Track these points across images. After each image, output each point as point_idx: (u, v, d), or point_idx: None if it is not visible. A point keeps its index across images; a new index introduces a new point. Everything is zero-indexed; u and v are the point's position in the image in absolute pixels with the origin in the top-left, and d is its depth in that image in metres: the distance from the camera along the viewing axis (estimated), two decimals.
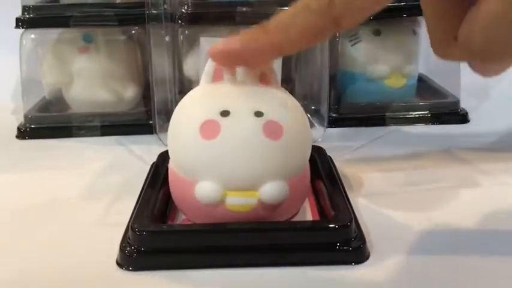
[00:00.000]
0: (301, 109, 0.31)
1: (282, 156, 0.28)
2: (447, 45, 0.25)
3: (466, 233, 0.31)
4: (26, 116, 0.49)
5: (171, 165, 0.31)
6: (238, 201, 0.28)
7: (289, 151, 0.28)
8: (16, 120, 0.51)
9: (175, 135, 0.30)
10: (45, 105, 0.51)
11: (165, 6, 0.44)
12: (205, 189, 0.28)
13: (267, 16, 0.45)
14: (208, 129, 0.28)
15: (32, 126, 0.48)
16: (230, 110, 0.28)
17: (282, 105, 0.29)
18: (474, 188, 0.36)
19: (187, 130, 0.29)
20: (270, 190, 0.28)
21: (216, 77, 0.30)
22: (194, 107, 0.30)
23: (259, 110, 0.28)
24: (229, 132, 0.28)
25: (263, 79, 0.30)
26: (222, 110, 0.28)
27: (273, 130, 0.28)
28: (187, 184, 0.29)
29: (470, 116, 0.50)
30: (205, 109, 0.29)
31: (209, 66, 0.30)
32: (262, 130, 0.28)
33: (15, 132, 0.48)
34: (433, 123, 0.49)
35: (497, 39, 0.23)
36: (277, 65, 0.44)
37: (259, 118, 0.28)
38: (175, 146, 0.30)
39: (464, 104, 0.51)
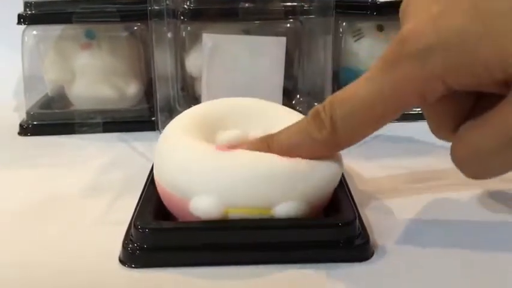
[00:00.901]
0: None
1: (298, 175, 0.27)
2: (448, 138, 0.27)
3: (470, 230, 0.30)
4: (28, 113, 0.49)
5: (160, 183, 0.29)
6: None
7: (305, 172, 0.27)
8: (18, 117, 0.51)
9: (174, 151, 0.29)
10: (48, 102, 0.51)
11: (168, 2, 0.44)
12: (204, 205, 0.27)
13: (269, 12, 0.45)
14: (221, 147, 0.28)
15: (34, 123, 0.48)
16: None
17: None
18: (478, 185, 0.36)
19: (194, 146, 0.28)
20: (284, 210, 0.27)
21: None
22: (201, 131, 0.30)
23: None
24: (242, 153, 0.28)
25: None
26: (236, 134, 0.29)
27: None
28: (180, 200, 0.28)
29: None
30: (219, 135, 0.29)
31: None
32: None
33: (17, 129, 0.48)
34: None
35: (483, 169, 0.25)
36: (280, 59, 0.44)
37: None
38: (174, 159, 0.28)
39: None
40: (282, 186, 0.27)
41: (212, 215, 0.27)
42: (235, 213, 0.27)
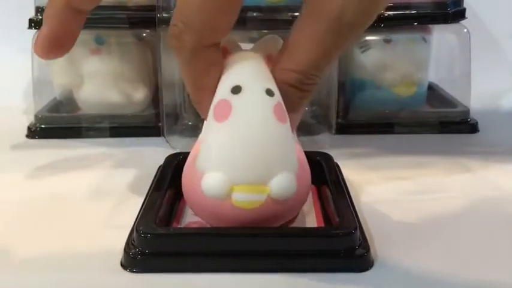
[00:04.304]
0: None
1: (288, 142, 0.28)
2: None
3: (473, 243, 0.30)
4: (36, 116, 0.49)
5: (190, 156, 0.30)
6: (246, 198, 0.27)
7: (291, 139, 0.28)
8: (27, 119, 0.51)
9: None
10: (56, 106, 0.51)
11: None
12: (212, 182, 0.27)
13: (277, 22, 0.45)
14: (220, 110, 0.27)
15: (42, 126, 0.49)
16: (242, 86, 0.27)
17: None
18: (481, 199, 0.36)
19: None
20: (281, 182, 0.27)
21: (223, 55, 0.29)
22: None
23: (270, 88, 0.28)
24: (240, 111, 0.27)
25: (269, 60, 0.29)
26: (233, 85, 0.28)
27: (281, 113, 0.27)
28: (197, 175, 0.28)
29: (480, 126, 0.50)
30: (218, 87, 0.28)
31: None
32: (273, 111, 0.27)
33: (25, 131, 0.49)
34: (442, 133, 0.49)
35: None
36: None
37: (271, 97, 0.27)
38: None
39: (474, 114, 0.50)
40: (278, 152, 0.27)
41: (219, 192, 0.27)
42: (238, 192, 0.27)
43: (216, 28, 0.27)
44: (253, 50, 0.30)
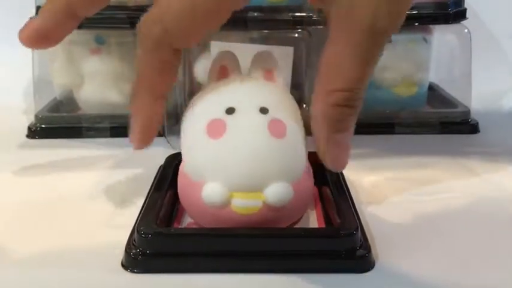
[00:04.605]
0: (298, 108, 0.31)
1: (286, 155, 0.28)
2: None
3: (473, 243, 0.30)
4: (36, 116, 0.49)
5: (181, 167, 0.31)
6: (244, 204, 0.28)
7: (292, 150, 0.28)
8: (27, 119, 0.51)
9: (185, 136, 0.30)
10: (56, 106, 0.51)
11: None
12: (212, 191, 0.28)
13: (278, 22, 0.45)
14: (215, 128, 0.28)
15: (43, 126, 0.49)
16: (235, 107, 0.28)
17: (284, 103, 0.29)
18: (482, 199, 0.36)
19: (194, 130, 0.29)
20: (275, 191, 0.28)
21: (222, 74, 0.30)
22: (200, 107, 0.30)
23: (264, 106, 0.28)
24: (235, 130, 0.28)
25: (268, 75, 0.30)
26: (227, 107, 0.29)
27: (277, 128, 0.28)
28: (195, 186, 0.28)
29: (480, 126, 0.50)
30: (211, 108, 0.29)
31: (214, 63, 0.31)
32: (268, 128, 0.28)
33: (25, 131, 0.49)
34: (442, 133, 0.49)
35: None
36: (287, 69, 0.44)
37: (265, 115, 0.28)
38: (185, 147, 0.30)
39: (474, 114, 0.50)
40: (274, 164, 0.28)
41: (219, 199, 0.27)
42: (237, 198, 0.27)
43: (186, 34, 0.27)
44: (251, 67, 0.31)
